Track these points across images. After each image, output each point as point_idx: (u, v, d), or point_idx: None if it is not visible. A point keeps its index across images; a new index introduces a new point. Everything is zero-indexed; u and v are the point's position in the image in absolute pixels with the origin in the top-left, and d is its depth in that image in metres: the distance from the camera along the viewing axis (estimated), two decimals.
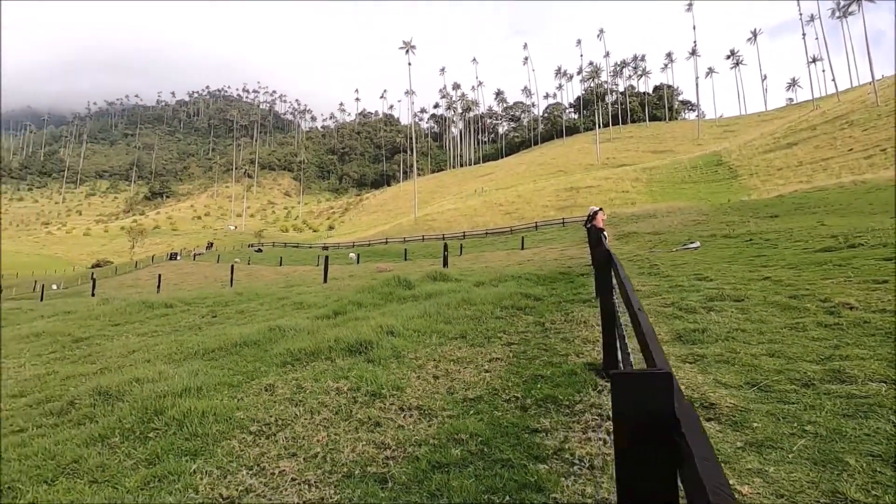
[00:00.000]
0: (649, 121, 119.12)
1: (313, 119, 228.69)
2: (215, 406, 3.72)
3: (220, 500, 2.52)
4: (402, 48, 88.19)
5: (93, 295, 21.99)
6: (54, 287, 38.38)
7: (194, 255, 56.05)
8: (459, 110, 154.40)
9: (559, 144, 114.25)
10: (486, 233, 46.91)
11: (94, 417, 3.97)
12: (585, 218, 10.39)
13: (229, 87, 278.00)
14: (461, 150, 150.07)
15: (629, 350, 2.80)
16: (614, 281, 3.47)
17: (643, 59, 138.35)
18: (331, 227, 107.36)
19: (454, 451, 2.69)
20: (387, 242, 54.36)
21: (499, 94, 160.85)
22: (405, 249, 39.03)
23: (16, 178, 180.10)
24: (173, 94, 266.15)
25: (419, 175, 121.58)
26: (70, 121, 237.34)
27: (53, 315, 13.00)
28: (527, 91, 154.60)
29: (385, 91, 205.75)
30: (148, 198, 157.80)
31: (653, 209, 37.29)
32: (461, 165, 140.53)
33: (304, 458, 2.87)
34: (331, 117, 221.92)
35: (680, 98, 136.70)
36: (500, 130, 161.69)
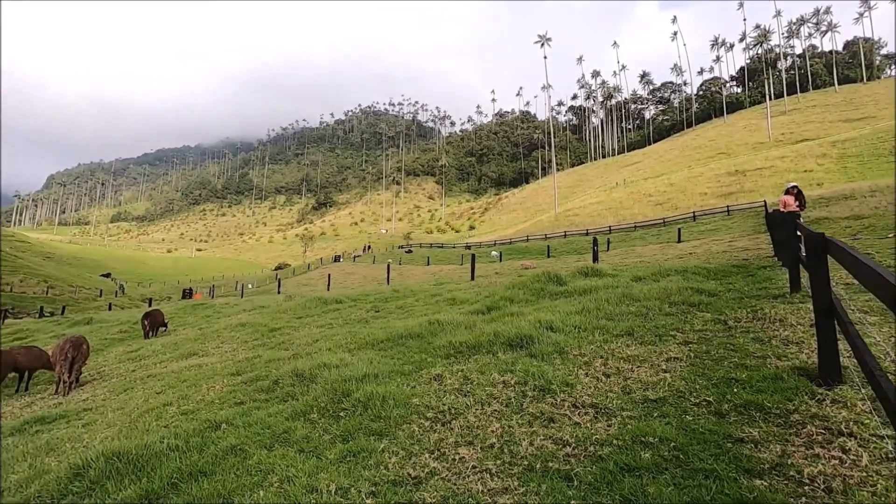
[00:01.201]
0: (839, 84, 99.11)
1: (452, 124, 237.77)
2: (393, 392, 3.99)
3: (409, 478, 2.67)
4: (537, 42, 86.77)
5: (278, 292, 25.70)
6: (250, 286, 45.85)
7: (354, 257, 62.22)
8: (600, 98, 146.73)
9: (718, 124, 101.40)
10: (635, 226, 43.74)
11: (294, 396, 4.55)
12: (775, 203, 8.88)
13: (378, 103, 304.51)
14: (603, 140, 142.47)
15: (868, 351, 2.27)
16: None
17: (827, 11, 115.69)
18: (472, 227, 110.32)
19: (643, 455, 2.48)
20: (528, 240, 53.96)
21: (644, 76, 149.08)
22: (547, 246, 38.29)
23: (219, 198, 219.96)
24: (332, 114, 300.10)
25: (558, 170, 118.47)
26: (255, 147, 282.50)
27: (252, 309, 15.45)
28: (677, 69, 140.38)
29: (521, 88, 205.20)
30: (315, 208, 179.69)
31: (848, 189, 30.93)
32: (603, 157, 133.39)
33: (481, 448, 2.91)
34: (468, 120, 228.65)
35: (882, 52, 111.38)
36: (647, 115, 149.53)
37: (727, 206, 37.88)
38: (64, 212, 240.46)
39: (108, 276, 61.45)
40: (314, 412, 3.93)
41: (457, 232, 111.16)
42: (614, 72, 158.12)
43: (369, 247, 78.11)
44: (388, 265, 26.82)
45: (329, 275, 27.74)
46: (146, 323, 12.89)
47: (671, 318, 5.36)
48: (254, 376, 5.78)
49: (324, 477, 2.76)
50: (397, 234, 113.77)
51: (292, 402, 4.38)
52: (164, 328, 13.51)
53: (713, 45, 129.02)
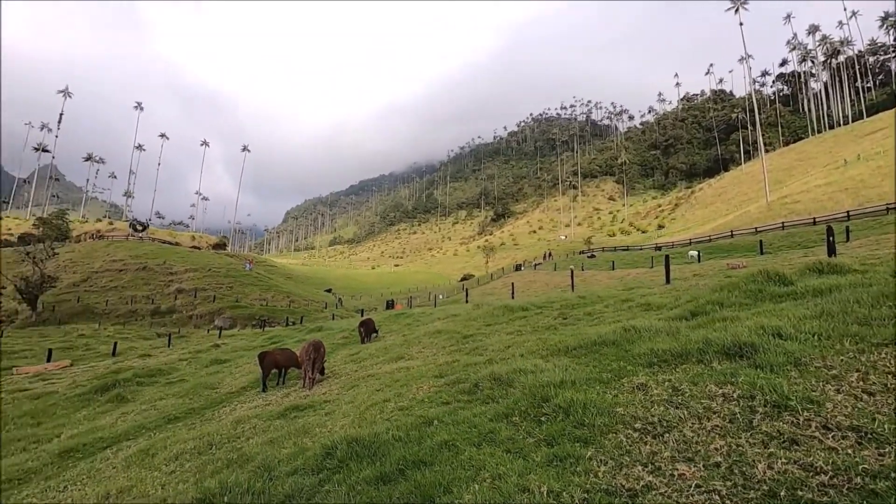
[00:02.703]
0: None
1: (630, 118, 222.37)
2: (593, 399, 3.88)
3: (622, 489, 2.55)
4: (729, 9, 75.65)
5: (466, 301, 27.24)
6: (440, 296, 49.64)
7: (535, 265, 62.42)
8: (821, 58, 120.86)
9: None
10: (887, 208, 34.54)
11: (494, 398, 4.76)
12: None
13: (549, 109, 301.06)
14: (828, 107, 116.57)
15: None
16: None
17: None
18: (660, 227, 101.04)
19: None
20: (732, 236, 47.03)
21: (887, 17, 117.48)
22: (759, 241, 32.72)
23: (410, 218, 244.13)
24: (505, 127, 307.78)
25: (768, 150, 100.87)
26: (438, 168, 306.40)
27: (445, 317, 16.63)
28: None
29: (711, 66, 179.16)
30: (493, 219, 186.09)
31: None
32: (830, 127, 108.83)
33: (703, 466, 2.63)
34: (649, 111, 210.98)
35: None
36: (894, 67, 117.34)
37: None
38: (297, 240, 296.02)
39: (329, 290, 73.19)
40: (515, 415, 4.05)
41: (643, 232, 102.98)
42: (839, 22, 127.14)
43: (550, 254, 77.45)
44: (571, 271, 26.19)
45: (512, 283, 28.34)
46: (362, 330, 14.92)
47: None
48: (455, 379, 6.20)
49: (533, 478, 2.82)
50: (577, 240, 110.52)
51: (493, 404, 4.59)
52: (375, 334, 15.45)
53: None
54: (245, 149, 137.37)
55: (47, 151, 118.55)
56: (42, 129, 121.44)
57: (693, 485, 2.46)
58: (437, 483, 3.11)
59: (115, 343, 26.15)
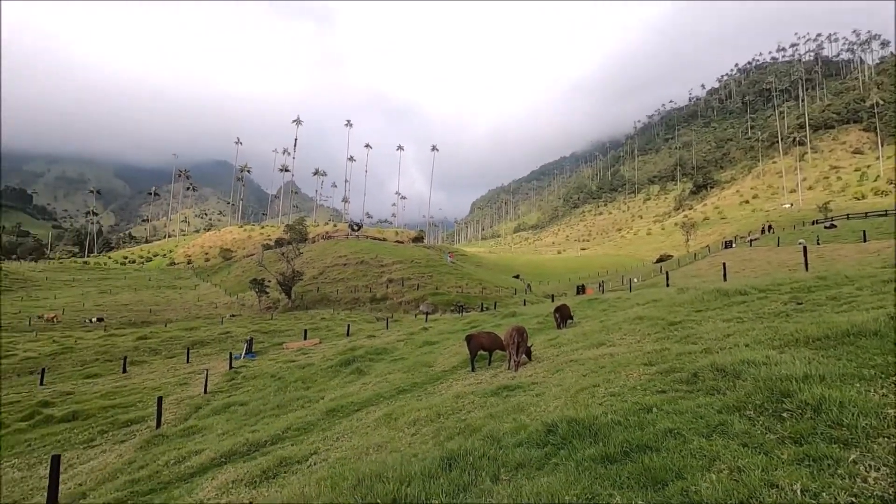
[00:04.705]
0: None
1: (883, 45, 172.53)
2: (853, 398, 3.41)
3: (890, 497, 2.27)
4: None
5: (667, 285, 25.09)
6: (635, 280, 46.57)
7: (750, 241, 53.85)
8: None
9: None
10: None
11: (719, 390, 4.49)
12: None
13: (760, 56, 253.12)
14: None
15: None
16: None
17: None
18: None
19: None
20: None
21: None
22: None
23: (595, 198, 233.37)
24: (703, 86, 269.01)
25: None
26: (623, 142, 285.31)
27: (645, 303, 15.70)
28: None
29: None
30: (693, 192, 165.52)
31: None
32: None
33: None
34: None
35: None
36: None
37: None
38: (483, 229, 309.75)
39: (517, 277, 74.96)
40: (749, 409, 3.80)
41: None
42: None
43: (769, 227, 65.77)
44: (804, 246, 21.89)
45: (723, 263, 24.94)
46: (557, 316, 15.10)
47: None
48: (668, 368, 5.97)
49: (781, 475, 2.68)
50: (806, 208, 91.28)
51: (719, 396, 4.35)
52: (570, 320, 15.47)
53: None
54: (434, 148, 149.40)
55: (288, 171, 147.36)
56: (284, 153, 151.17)
57: None
58: (667, 468, 3.16)
59: (349, 325, 31.46)
